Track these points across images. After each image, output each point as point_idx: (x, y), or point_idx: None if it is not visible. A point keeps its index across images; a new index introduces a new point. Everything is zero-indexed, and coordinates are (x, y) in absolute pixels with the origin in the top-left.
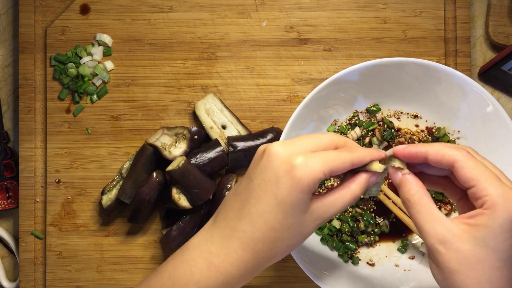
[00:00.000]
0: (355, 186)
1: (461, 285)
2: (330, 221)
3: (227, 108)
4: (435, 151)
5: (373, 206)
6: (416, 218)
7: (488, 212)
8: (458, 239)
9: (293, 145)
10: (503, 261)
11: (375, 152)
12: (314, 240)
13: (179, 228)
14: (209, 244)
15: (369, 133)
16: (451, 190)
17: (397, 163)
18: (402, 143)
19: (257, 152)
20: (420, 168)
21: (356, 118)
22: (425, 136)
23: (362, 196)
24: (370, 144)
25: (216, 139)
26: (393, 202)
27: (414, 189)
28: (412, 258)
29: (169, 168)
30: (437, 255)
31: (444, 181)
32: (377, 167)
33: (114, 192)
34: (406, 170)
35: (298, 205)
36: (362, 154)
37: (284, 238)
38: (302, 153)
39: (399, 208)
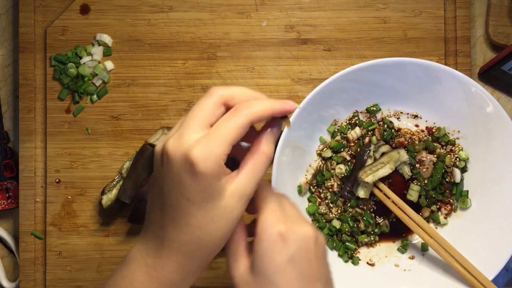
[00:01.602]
0: (265, 146)
1: None
2: (330, 221)
3: None
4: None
5: (373, 206)
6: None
7: (256, 238)
8: (245, 273)
9: (183, 135)
10: (271, 285)
11: (274, 102)
12: None
13: None
14: (145, 256)
15: (369, 133)
16: None
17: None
18: (402, 143)
19: (156, 156)
20: None
21: (356, 118)
22: (425, 136)
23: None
24: (369, 144)
25: None
26: (393, 202)
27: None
28: (412, 258)
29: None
30: None
31: None
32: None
33: (114, 192)
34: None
35: (212, 197)
36: (258, 109)
37: (212, 230)
38: (195, 141)
39: (399, 208)
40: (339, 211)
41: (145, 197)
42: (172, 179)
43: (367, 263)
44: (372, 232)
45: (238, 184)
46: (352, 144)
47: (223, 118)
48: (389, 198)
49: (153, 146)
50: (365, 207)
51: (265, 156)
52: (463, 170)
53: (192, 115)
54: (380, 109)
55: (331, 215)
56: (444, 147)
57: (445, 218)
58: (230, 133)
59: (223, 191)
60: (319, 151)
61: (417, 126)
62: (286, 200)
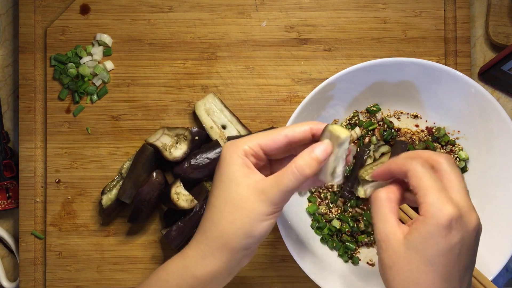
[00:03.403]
0: (299, 159)
1: (392, 281)
2: (330, 221)
3: (227, 108)
4: (395, 163)
5: None
6: (374, 214)
7: (421, 218)
8: (396, 240)
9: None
10: (429, 265)
11: (314, 122)
12: (314, 240)
13: (178, 228)
14: (184, 249)
15: (369, 133)
16: None
17: (341, 131)
18: (403, 142)
19: None
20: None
21: (356, 118)
22: (425, 136)
23: (334, 181)
24: (369, 144)
25: (217, 140)
26: None
27: (385, 190)
28: None
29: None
30: (380, 251)
31: None
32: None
33: (114, 192)
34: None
35: (226, 179)
36: (295, 126)
37: (223, 212)
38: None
39: (399, 208)
40: (339, 211)
41: (145, 197)
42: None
43: (367, 263)
44: (372, 232)
45: (259, 181)
46: (352, 144)
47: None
48: None
49: (153, 146)
50: (365, 207)
51: (294, 167)
52: (463, 170)
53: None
54: (380, 109)
55: (331, 215)
56: (444, 147)
57: None
58: (261, 137)
59: (241, 180)
60: None
61: (417, 126)
62: (448, 170)
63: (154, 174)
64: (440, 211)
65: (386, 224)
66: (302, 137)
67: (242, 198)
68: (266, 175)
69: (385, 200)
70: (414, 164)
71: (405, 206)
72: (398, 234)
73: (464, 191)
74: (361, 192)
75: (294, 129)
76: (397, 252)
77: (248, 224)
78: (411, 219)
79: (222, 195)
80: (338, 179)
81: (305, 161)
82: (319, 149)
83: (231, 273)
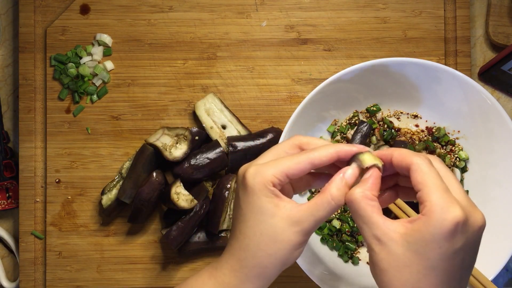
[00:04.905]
0: (335, 189)
1: (388, 285)
2: (330, 221)
3: (227, 108)
4: (399, 153)
5: None
6: (355, 218)
7: (424, 219)
8: (392, 242)
9: (254, 161)
10: (430, 269)
11: (342, 146)
12: (314, 240)
13: (178, 228)
14: (215, 260)
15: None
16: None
17: (371, 160)
18: (402, 142)
19: None
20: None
21: (356, 118)
22: (425, 136)
23: None
24: (369, 144)
25: (217, 140)
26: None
27: (359, 188)
28: None
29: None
30: (372, 253)
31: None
32: (368, 159)
33: (114, 192)
34: (379, 164)
35: (260, 212)
36: (321, 151)
37: (260, 244)
38: (257, 164)
39: (399, 208)
40: (339, 211)
41: (145, 197)
42: (236, 192)
43: (367, 263)
44: None
45: (295, 212)
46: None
47: (288, 154)
48: None
49: (153, 146)
50: None
51: (330, 197)
52: (463, 170)
53: (270, 149)
54: (380, 109)
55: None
56: (444, 147)
57: None
58: (286, 165)
59: (274, 211)
60: None
61: (417, 126)
62: (442, 168)
63: (154, 174)
64: (446, 213)
65: (372, 226)
66: (327, 162)
67: (278, 230)
68: (289, 194)
69: (362, 199)
70: (421, 159)
71: (403, 204)
72: (391, 234)
73: (462, 190)
74: None
75: (320, 155)
76: (393, 255)
77: (285, 255)
78: (409, 217)
79: (257, 227)
80: None
81: (340, 191)
82: (349, 175)
83: None
